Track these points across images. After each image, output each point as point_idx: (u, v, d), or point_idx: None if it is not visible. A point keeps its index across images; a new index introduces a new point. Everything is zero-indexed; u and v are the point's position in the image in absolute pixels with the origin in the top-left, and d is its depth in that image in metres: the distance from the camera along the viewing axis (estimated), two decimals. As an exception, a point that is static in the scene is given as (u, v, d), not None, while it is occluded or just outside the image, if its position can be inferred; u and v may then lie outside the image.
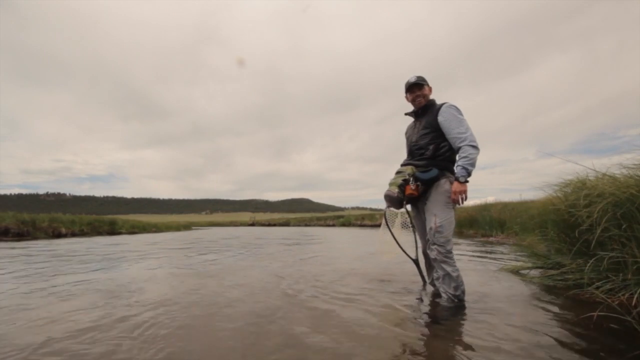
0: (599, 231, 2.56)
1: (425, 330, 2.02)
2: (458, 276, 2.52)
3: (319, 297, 2.83)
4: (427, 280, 3.06)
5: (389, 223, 3.25)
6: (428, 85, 2.85)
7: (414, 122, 2.93)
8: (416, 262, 3.25)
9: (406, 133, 3.02)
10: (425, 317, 2.28)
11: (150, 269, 4.54)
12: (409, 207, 2.98)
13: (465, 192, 2.48)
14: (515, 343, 1.79)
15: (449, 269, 2.50)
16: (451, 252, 2.53)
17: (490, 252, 6.04)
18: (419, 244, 3.06)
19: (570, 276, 2.93)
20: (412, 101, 2.85)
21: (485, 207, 12.07)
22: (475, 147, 2.50)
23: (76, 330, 2.05)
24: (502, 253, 5.89)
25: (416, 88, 2.81)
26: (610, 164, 2.87)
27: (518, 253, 5.09)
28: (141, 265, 5.01)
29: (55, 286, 3.38)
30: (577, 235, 2.85)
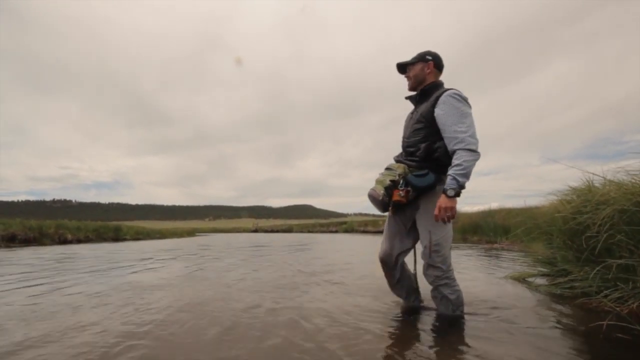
0: (603, 237, 2.53)
1: (426, 340, 1.99)
2: (457, 297, 2.24)
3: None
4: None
5: None
6: (425, 61, 2.30)
7: (413, 109, 2.44)
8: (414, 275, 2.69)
9: (405, 121, 2.53)
10: (425, 327, 2.24)
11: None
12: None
13: (452, 209, 1.97)
14: (521, 353, 1.75)
15: (446, 291, 2.20)
16: (450, 271, 2.20)
17: (495, 259, 5.99)
18: (417, 258, 2.50)
19: (577, 284, 2.89)
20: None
21: (489, 213, 12.01)
22: (473, 152, 1.99)
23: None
24: (507, 260, 5.83)
25: (401, 70, 2.41)
26: (616, 169, 2.85)
27: (523, 260, 5.04)
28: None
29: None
30: (583, 242, 2.82)
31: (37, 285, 3.87)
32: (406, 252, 2.44)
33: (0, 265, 5.99)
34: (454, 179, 1.96)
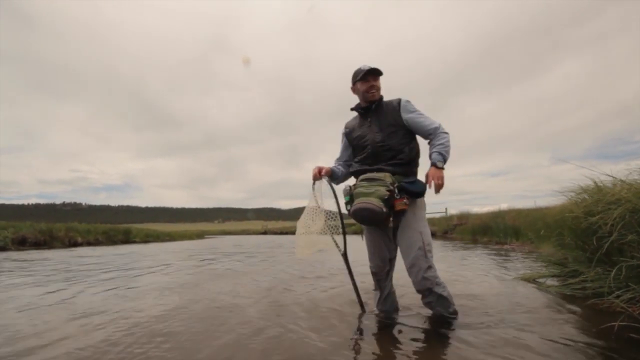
0: (612, 237, 2.51)
1: (433, 342, 1.99)
2: (448, 292, 2.23)
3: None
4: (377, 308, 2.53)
5: (318, 201, 2.50)
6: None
7: (362, 119, 2.44)
8: (345, 256, 2.47)
9: (352, 132, 2.47)
10: (429, 329, 2.24)
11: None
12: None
13: (443, 177, 2.10)
14: (532, 353, 1.75)
15: (440, 290, 2.15)
16: (436, 269, 2.20)
17: (505, 260, 5.93)
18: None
19: (589, 285, 2.87)
20: (365, 92, 2.34)
21: (499, 214, 11.93)
22: (448, 134, 2.23)
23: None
24: (517, 261, 5.77)
25: (371, 77, 2.34)
26: (627, 169, 2.83)
27: (534, 261, 5.00)
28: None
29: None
30: (594, 242, 2.79)
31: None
32: (394, 260, 2.40)
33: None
34: (440, 153, 2.15)
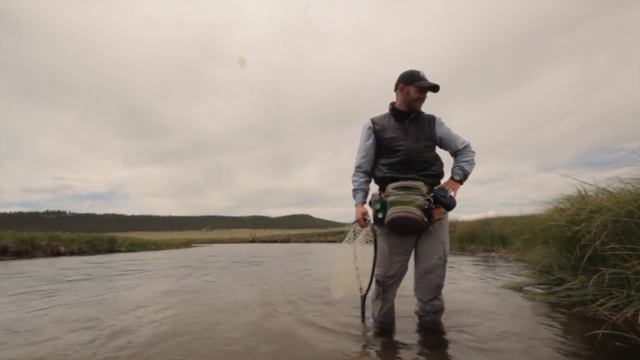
0: (594, 246, 2.55)
1: (423, 353, 1.99)
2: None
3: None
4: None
5: (353, 243, 2.45)
6: None
7: (398, 122, 2.31)
8: (363, 298, 2.50)
9: (385, 131, 2.31)
10: (418, 339, 2.22)
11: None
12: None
13: (457, 190, 2.23)
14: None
15: (442, 299, 2.27)
16: None
17: (492, 268, 5.98)
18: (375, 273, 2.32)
19: (573, 292, 2.90)
20: (415, 100, 2.24)
21: (486, 222, 12.03)
22: (474, 153, 2.32)
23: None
24: (503, 269, 5.83)
25: (427, 90, 2.26)
26: (610, 177, 2.88)
27: (520, 269, 5.04)
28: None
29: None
30: (578, 250, 2.83)
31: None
32: (403, 275, 2.32)
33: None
34: (461, 169, 2.27)
